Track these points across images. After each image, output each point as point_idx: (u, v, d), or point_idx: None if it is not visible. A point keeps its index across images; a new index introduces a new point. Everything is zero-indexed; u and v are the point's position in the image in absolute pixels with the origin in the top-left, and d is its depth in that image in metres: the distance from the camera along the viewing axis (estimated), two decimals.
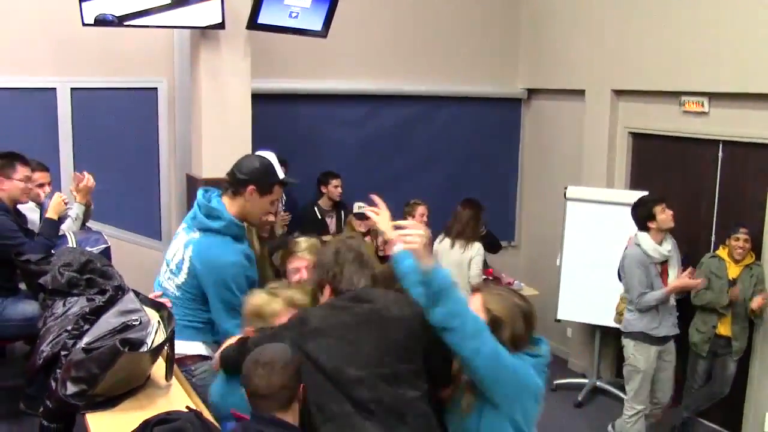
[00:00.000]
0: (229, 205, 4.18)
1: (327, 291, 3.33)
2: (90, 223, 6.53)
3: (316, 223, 8.06)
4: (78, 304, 3.50)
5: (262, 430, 2.96)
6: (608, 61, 8.05)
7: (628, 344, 6.49)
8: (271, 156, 4.34)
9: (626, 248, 6.54)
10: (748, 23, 6.58)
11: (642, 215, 6.45)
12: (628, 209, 6.85)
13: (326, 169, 8.26)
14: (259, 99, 7.34)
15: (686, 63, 7.15)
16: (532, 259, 9.43)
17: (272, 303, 3.66)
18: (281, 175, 4.26)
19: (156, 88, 7.84)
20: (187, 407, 2.77)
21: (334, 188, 8.25)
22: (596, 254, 7.74)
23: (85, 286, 3.60)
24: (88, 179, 6.13)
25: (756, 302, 6.39)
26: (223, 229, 4.11)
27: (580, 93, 8.44)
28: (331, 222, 8.25)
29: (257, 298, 3.74)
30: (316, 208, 8.23)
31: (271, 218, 4.65)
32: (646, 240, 6.38)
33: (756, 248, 6.61)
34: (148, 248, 7.76)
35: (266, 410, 2.96)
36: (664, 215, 6.41)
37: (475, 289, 3.57)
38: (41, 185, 6.27)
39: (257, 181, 4.17)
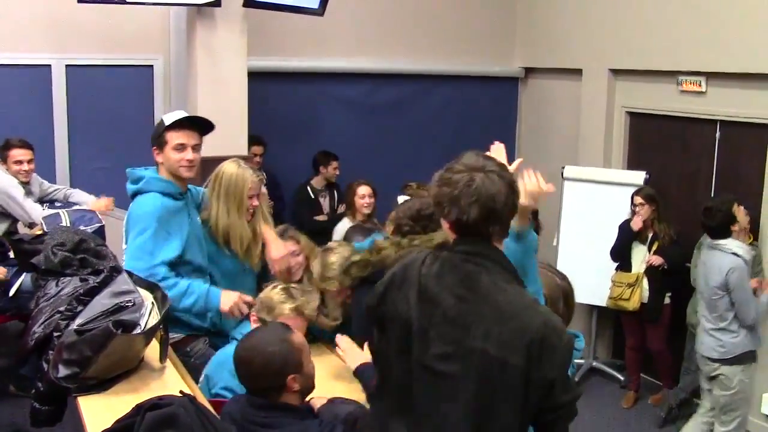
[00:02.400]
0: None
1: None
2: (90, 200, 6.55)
3: (309, 202, 8.06)
4: (71, 285, 3.48)
5: (252, 413, 3.01)
6: (606, 41, 8.01)
7: (734, 372, 5.77)
8: (171, 114, 4.41)
9: (711, 259, 5.86)
10: (746, 3, 6.55)
11: (723, 221, 5.80)
12: (626, 189, 6.84)
13: (322, 147, 8.20)
14: (255, 77, 7.30)
15: (684, 42, 7.11)
16: None
17: (284, 304, 3.78)
18: (169, 120, 4.28)
19: (152, 66, 7.80)
20: (181, 392, 2.75)
21: (333, 170, 8.15)
22: (593, 234, 7.73)
23: (78, 266, 3.58)
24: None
25: (753, 284, 6.34)
26: (144, 186, 4.22)
27: (578, 72, 8.40)
28: (324, 202, 8.21)
29: (273, 293, 3.85)
30: (308, 188, 8.16)
31: (255, 202, 4.60)
32: (741, 246, 5.77)
33: (753, 228, 6.60)
34: None
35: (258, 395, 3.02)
36: (741, 213, 5.95)
37: None
38: (19, 162, 6.28)
39: (153, 140, 4.32)
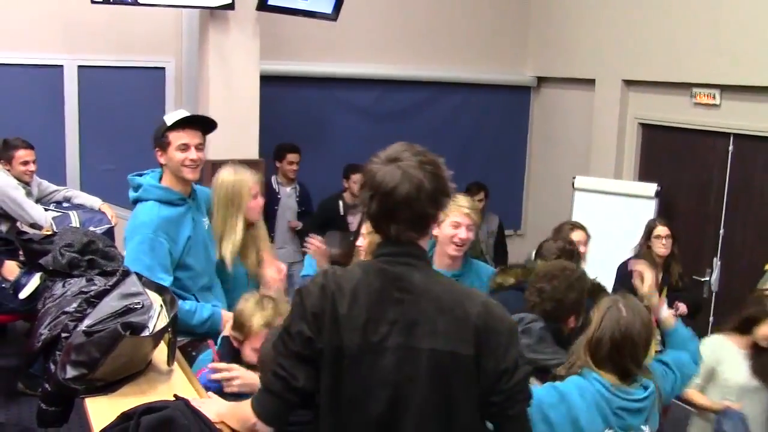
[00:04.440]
0: (164, 178, 4.23)
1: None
2: (102, 204, 6.53)
3: (336, 220, 7.68)
4: (77, 285, 3.46)
5: None
6: (619, 51, 7.99)
7: None
8: (173, 114, 4.33)
9: None
10: (761, 16, 6.52)
11: None
12: (636, 200, 6.80)
13: (331, 152, 8.17)
14: (267, 81, 7.31)
15: (698, 54, 7.09)
16: None
17: (253, 317, 3.57)
18: (170, 120, 4.19)
19: (164, 68, 7.81)
20: (175, 395, 2.73)
21: (354, 184, 7.57)
22: (603, 245, 7.68)
23: (86, 267, 3.55)
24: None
25: None
26: (143, 195, 4.16)
27: (590, 82, 8.38)
28: (354, 220, 7.45)
29: (244, 303, 3.65)
30: (340, 202, 7.82)
31: (261, 200, 4.62)
32: None
33: (766, 240, 6.58)
34: None
35: None
36: None
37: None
38: (26, 163, 6.24)
39: (155, 141, 4.21)
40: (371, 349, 2.41)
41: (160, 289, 3.48)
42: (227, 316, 4.07)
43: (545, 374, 3.43)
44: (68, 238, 3.75)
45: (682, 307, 6.21)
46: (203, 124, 4.28)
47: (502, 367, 2.39)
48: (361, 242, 5.07)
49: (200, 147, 4.18)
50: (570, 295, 3.71)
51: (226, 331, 3.84)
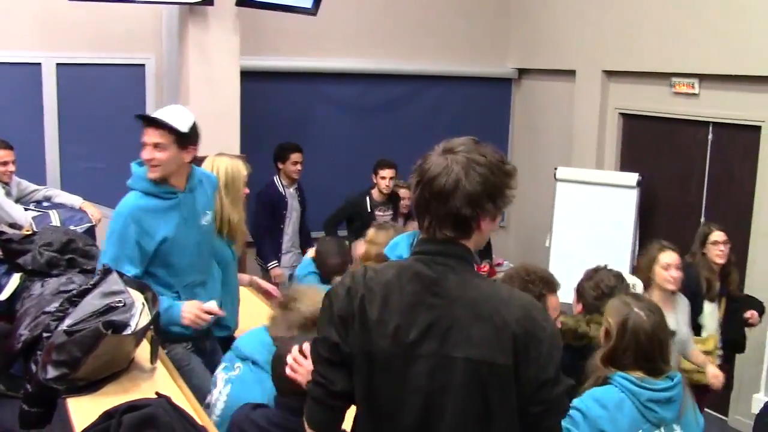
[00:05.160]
0: None
1: None
2: (83, 203, 6.49)
3: (363, 216, 7.46)
4: (55, 284, 3.46)
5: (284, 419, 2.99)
6: (599, 42, 8.01)
7: None
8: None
9: None
10: (738, 5, 6.54)
11: None
12: (618, 190, 6.81)
13: (314, 147, 8.11)
14: (248, 76, 7.28)
15: (677, 44, 7.11)
16: (521, 240, 9.41)
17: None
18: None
19: (144, 65, 7.74)
20: (157, 393, 2.73)
21: (382, 180, 7.51)
22: (586, 235, 7.72)
23: (66, 266, 3.55)
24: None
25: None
26: (131, 183, 4.16)
27: (571, 73, 8.40)
28: (382, 218, 7.43)
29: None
30: (367, 198, 7.63)
31: (247, 190, 4.71)
32: None
33: (745, 229, 6.62)
34: None
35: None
36: None
37: None
38: (5, 163, 6.19)
39: None
40: (403, 355, 2.31)
41: (141, 287, 3.48)
42: (189, 307, 3.98)
43: None
44: (48, 238, 3.75)
45: (755, 316, 5.93)
46: (157, 124, 4.11)
47: (543, 378, 2.26)
48: (361, 247, 5.12)
49: (159, 146, 4.05)
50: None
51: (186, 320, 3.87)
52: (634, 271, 5.28)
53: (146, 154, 4.05)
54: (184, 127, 4.10)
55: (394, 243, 4.92)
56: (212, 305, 4.04)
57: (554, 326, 2.35)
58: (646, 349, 3.19)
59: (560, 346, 2.35)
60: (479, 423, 2.30)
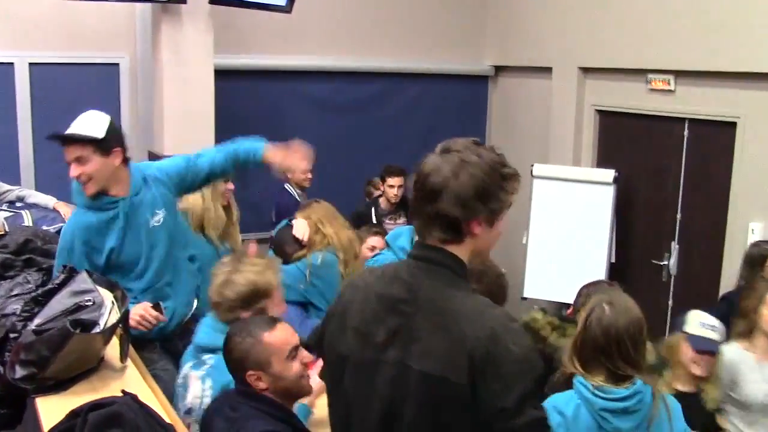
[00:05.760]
0: None
1: None
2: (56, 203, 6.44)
3: (371, 227, 6.88)
4: (8, 285, 3.44)
5: (232, 396, 3.06)
6: (575, 39, 8.01)
7: None
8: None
9: None
10: (713, 2, 6.56)
11: None
12: (595, 187, 6.79)
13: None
14: (222, 75, 7.25)
15: (653, 41, 7.12)
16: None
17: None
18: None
19: (118, 64, 7.70)
20: (123, 391, 2.71)
21: (389, 188, 7.21)
22: (562, 232, 7.72)
23: (22, 266, 3.52)
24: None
25: None
26: (74, 201, 4.18)
27: (548, 70, 8.41)
28: (393, 227, 6.88)
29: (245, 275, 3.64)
30: (373, 210, 7.41)
31: (231, 186, 4.75)
32: None
33: (722, 225, 6.64)
34: None
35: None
36: None
37: None
38: None
39: None
40: (370, 360, 2.29)
41: (111, 285, 3.45)
42: (135, 309, 3.91)
43: None
44: (6, 239, 3.72)
45: None
46: (72, 140, 4.04)
47: (500, 406, 2.11)
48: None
49: (80, 160, 3.98)
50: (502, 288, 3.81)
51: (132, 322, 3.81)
52: (737, 314, 4.57)
53: (72, 171, 3.98)
54: (99, 133, 4.01)
55: (398, 231, 4.92)
56: (150, 310, 3.97)
57: (527, 352, 2.18)
58: (602, 345, 3.11)
59: (530, 374, 2.17)
60: None
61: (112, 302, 3.30)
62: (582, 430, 3.08)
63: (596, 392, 3.08)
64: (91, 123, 4.05)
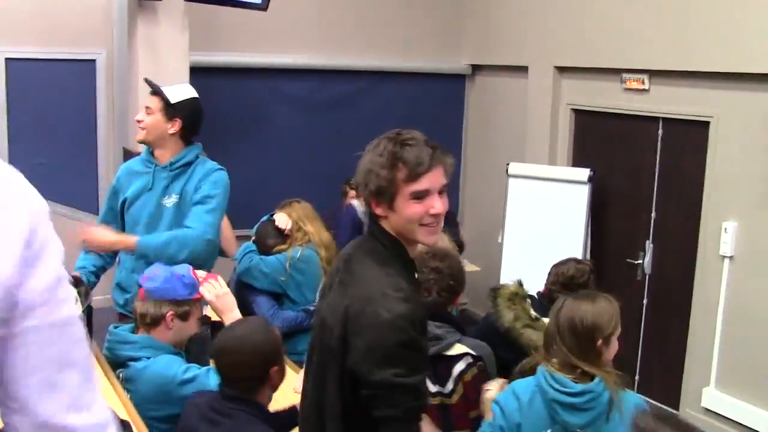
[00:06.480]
0: None
1: None
2: None
3: None
4: None
5: (219, 401, 3.07)
6: (551, 38, 8.04)
7: None
8: None
9: None
10: (688, 2, 6.59)
11: None
12: (570, 186, 6.80)
13: (266, 145, 8.06)
14: (198, 72, 7.24)
15: (627, 40, 7.16)
16: (474, 236, 9.40)
17: None
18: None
19: (94, 60, 7.69)
20: None
21: None
22: (538, 230, 7.74)
23: None
24: None
25: None
26: None
27: (524, 69, 8.43)
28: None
29: None
30: None
31: None
32: None
33: (695, 223, 6.68)
34: (86, 223, 7.63)
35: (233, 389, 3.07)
36: None
37: None
38: None
39: None
40: (317, 311, 2.77)
41: (75, 282, 3.45)
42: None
43: (444, 363, 3.47)
44: None
45: None
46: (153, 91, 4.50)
47: (359, 362, 2.39)
48: None
49: (148, 110, 4.43)
50: (462, 271, 3.80)
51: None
52: None
53: (138, 115, 4.46)
54: (173, 98, 4.41)
55: None
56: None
57: (395, 319, 2.36)
58: (556, 337, 3.13)
59: (393, 337, 2.36)
60: (318, 390, 2.53)
61: (76, 298, 3.29)
62: (535, 419, 3.10)
63: (551, 383, 3.07)
64: (177, 90, 4.54)
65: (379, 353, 2.34)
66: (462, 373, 3.44)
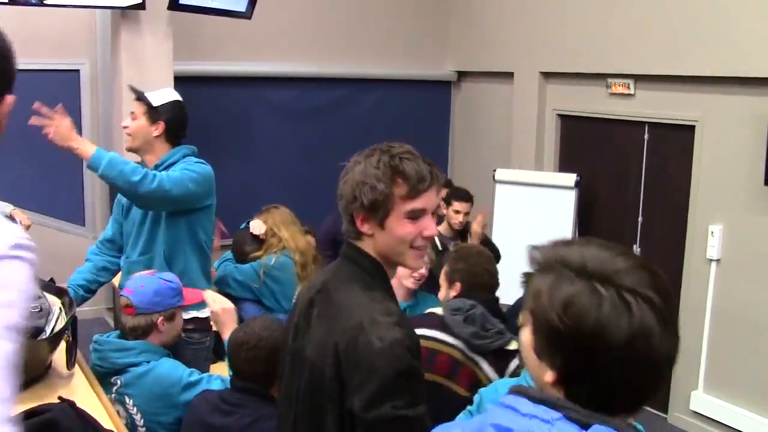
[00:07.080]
0: None
1: None
2: (14, 210, 6.38)
3: (435, 254, 6.10)
4: None
5: (228, 393, 3.15)
6: (536, 44, 8.05)
7: None
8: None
9: None
10: (672, 6, 6.61)
11: None
12: (557, 191, 6.81)
13: (252, 153, 8.04)
14: (183, 81, 7.20)
15: (613, 46, 7.17)
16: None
17: None
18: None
19: (78, 71, 7.67)
20: (59, 398, 2.68)
21: (455, 213, 6.58)
22: (525, 236, 7.72)
23: None
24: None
25: None
26: None
27: (509, 75, 8.44)
28: None
29: None
30: (436, 239, 6.29)
31: None
32: None
33: (682, 227, 6.69)
34: (71, 234, 7.60)
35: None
36: None
37: None
38: None
39: None
40: (290, 349, 2.43)
41: (59, 292, 3.43)
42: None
43: (504, 357, 3.54)
44: None
45: None
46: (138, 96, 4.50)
47: (357, 398, 2.12)
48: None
49: (132, 114, 4.46)
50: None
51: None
52: None
53: (123, 121, 4.51)
54: (155, 102, 4.41)
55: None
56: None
57: (390, 347, 2.13)
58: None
59: (390, 368, 2.12)
60: (315, 426, 2.27)
61: (60, 309, 3.28)
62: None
63: (529, 380, 3.07)
64: (159, 93, 4.53)
65: (375, 386, 2.10)
66: (516, 368, 3.50)
